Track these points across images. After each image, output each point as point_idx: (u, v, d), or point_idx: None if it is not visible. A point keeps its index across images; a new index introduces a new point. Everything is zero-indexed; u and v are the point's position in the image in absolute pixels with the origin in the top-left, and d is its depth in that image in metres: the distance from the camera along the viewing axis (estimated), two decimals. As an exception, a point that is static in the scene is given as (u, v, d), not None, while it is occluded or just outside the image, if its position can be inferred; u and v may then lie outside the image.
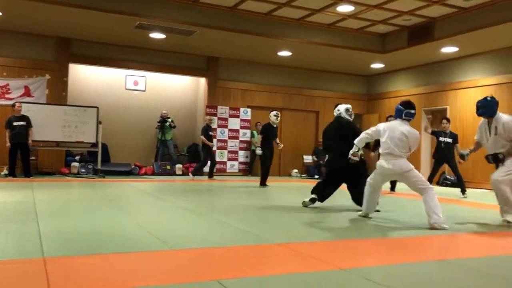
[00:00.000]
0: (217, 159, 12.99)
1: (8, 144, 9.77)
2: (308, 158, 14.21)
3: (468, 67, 12.06)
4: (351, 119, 6.58)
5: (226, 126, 13.38)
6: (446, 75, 12.65)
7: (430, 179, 8.67)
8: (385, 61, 13.08)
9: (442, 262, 3.41)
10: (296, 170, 14.28)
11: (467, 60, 12.02)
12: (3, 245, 3.48)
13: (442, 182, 12.12)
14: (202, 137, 11.16)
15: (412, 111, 5.18)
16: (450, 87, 12.49)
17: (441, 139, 9.01)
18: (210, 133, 11.23)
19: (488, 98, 5.45)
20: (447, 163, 9.16)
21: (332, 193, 6.37)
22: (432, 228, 4.71)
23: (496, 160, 5.37)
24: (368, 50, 12.02)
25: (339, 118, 6.59)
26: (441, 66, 12.73)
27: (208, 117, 11.81)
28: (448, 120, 9.40)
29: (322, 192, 6.33)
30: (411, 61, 12.89)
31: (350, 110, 6.70)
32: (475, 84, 11.79)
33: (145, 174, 12.23)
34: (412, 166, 5.02)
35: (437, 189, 11.10)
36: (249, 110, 13.66)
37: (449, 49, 11.38)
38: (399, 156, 5.00)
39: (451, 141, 8.98)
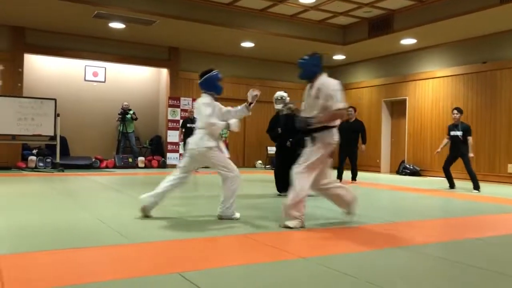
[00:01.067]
0: (181, 151, 12.86)
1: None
2: (272, 150, 14.26)
3: (426, 58, 12.39)
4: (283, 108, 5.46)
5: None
6: (405, 67, 12.96)
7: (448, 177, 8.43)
8: (347, 53, 13.26)
9: (399, 249, 3.50)
10: (260, 162, 14.33)
11: (425, 52, 12.35)
12: (-47, 243, 3.32)
13: (402, 171, 12.45)
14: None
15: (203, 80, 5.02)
16: (409, 78, 12.80)
17: (451, 133, 8.33)
18: (189, 125, 10.58)
19: (306, 57, 4.59)
20: (460, 157, 8.26)
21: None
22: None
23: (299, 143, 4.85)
24: (330, 41, 12.14)
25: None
26: (401, 58, 13.02)
27: (190, 109, 11.63)
28: (459, 110, 8.44)
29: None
30: (372, 52, 13.12)
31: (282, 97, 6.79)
32: (433, 75, 12.14)
33: (106, 167, 11.98)
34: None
35: (397, 177, 11.45)
36: (212, 101, 13.54)
37: (408, 41, 11.64)
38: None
39: (460, 134, 8.19)
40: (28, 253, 3.10)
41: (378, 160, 13.57)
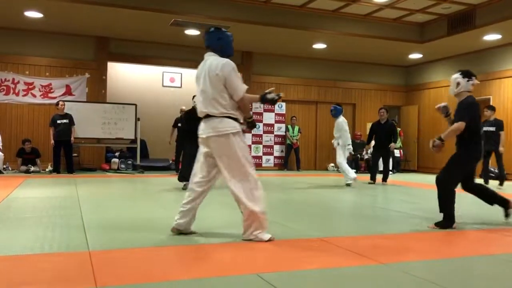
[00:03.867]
0: (253, 153, 13.05)
1: (52, 141, 10.13)
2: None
3: (512, 54, 11.58)
4: None
5: (261, 121, 13.39)
6: (488, 64, 12.19)
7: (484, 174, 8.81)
8: (424, 51, 12.73)
9: (488, 257, 3.30)
10: (332, 164, 14.13)
11: (511, 48, 11.54)
12: (50, 238, 3.60)
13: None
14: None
15: None
16: (493, 76, 12.03)
17: (484, 128, 8.63)
18: (179, 124, 10.26)
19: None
20: (493, 152, 8.94)
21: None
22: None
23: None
24: (406, 40, 11.72)
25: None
26: (483, 55, 12.27)
27: (182, 108, 10.97)
28: (491, 108, 9.20)
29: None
30: (451, 50, 12.49)
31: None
32: (520, 73, 11.32)
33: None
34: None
35: (481, 182, 10.76)
36: (284, 104, 13.61)
37: (491, 37, 10.95)
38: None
39: (493, 129, 8.78)
40: (115, 250, 3.28)
41: (458, 163, 12.87)
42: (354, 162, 13.35)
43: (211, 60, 3.79)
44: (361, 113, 14.64)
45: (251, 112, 4.14)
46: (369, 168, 9.49)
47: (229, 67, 3.67)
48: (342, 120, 8.99)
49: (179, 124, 10.49)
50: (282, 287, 2.46)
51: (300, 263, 3.02)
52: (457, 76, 4.82)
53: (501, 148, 8.79)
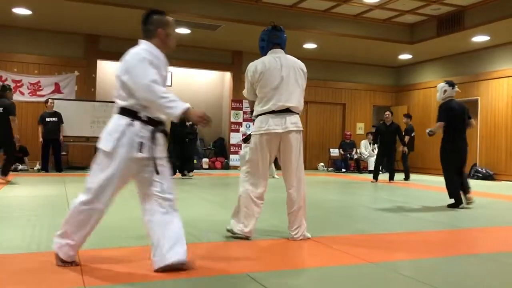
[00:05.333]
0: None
1: (40, 139, 10.03)
2: (334, 152, 14.09)
3: (500, 56, 11.70)
4: None
5: (251, 120, 13.36)
6: (477, 65, 12.32)
7: None
8: (414, 52, 12.82)
9: (473, 257, 3.33)
10: (322, 164, 14.19)
11: (499, 49, 11.67)
12: (38, 238, 3.57)
13: (473, 175, 11.84)
14: None
15: None
16: (481, 77, 12.15)
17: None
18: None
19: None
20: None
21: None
22: None
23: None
24: (396, 41, 11.80)
25: None
26: (472, 56, 12.40)
27: None
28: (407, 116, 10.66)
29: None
30: (441, 51, 12.60)
31: None
32: (508, 74, 11.44)
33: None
34: None
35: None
36: (274, 103, 13.60)
37: (480, 38, 11.06)
38: None
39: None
40: (102, 249, 3.26)
41: (447, 163, 12.98)
42: (344, 161, 13.41)
43: (288, 56, 3.81)
44: (351, 113, 14.71)
45: None
46: (374, 167, 10.00)
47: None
48: None
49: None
50: (272, 287, 2.47)
51: (290, 262, 3.03)
52: (444, 85, 6.03)
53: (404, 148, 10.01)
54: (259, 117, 3.65)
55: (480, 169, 11.79)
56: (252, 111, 3.90)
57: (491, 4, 9.72)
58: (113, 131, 2.69)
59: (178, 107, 2.61)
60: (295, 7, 10.53)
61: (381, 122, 10.09)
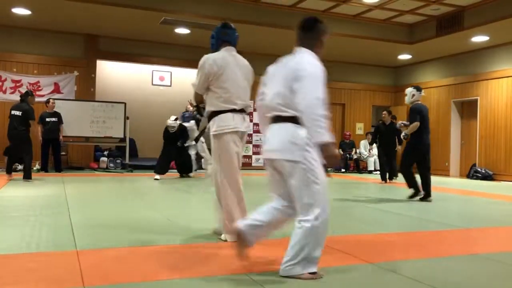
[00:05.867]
0: (243, 153, 13.08)
1: (40, 139, 10.02)
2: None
3: (499, 56, 11.71)
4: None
5: (251, 120, 13.39)
6: (476, 65, 12.32)
7: None
8: (413, 52, 12.83)
9: (474, 257, 3.33)
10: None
11: (499, 49, 11.68)
12: (37, 238, 3.57)
13: (473, 175, 11.85)
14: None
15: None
16: (480, 77, 12.16)
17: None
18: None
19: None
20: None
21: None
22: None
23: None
24: (395, 41, 11.80)
25: None
26: (472, 56, 12.40)
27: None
28: (389, 112, 10.09)
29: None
30: (440, 51, 12.60)
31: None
32: (508, 74, 11.44)
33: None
34: None
35: (468, 182, 10.90)
36: (274, 103, 13.61)
37: (479, 38, 11.06)
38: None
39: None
40: (103, 249, 3.26)
41: (446, 163, 13.00)
42: (343, 161, 13.41)
43: (240, 56, 3.78)
44: (350, 113, 14.71)
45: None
46: (380, 168, 10.12)
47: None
48: None
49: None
50: (271, 287, 2.46)
51: (289, 262, 3.02)
52: (412, 89, 6.83)
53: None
54: (222, 115, 3.50)
55: (479, 169, 11.80)
56: (197, 106, 3.78)
57: (491, 4, 9.72)
58: (300, 141, 2.58)
59: (325, 135, 2.52)
60: (295, 7, 10.53)
61: (380, 122, 10.06)
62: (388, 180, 9.75)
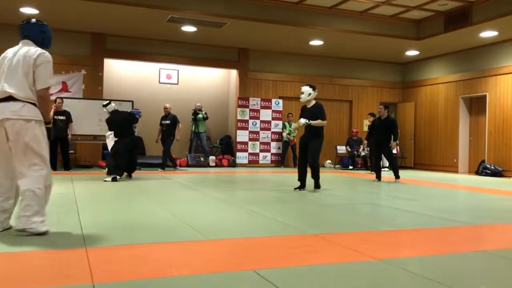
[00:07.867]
0: (250, 150, 13.11)
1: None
2: (341, 149, 14.06)
3: (509, 51, 11.60)
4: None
5: (258, 118, 13.39)
6: (485, 61, 12.22)
7: None
8: (420, 48, 12.75)
9: (481, 253, 3.32)
10: (329, 161, 14.16)
11: (508, 44, 11.58)
12: (46, 235, 3.60)
13: (482, 171, 11.77)
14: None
15: None
16: (489, 73, 12.06)
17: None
18: (164, 122, 11.25)
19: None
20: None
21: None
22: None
23: None
24: (403, 37, 11.74)
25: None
26: (480, 52, 12.31)
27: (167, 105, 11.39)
28: (385, 106, 9.43)
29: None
30: (448, 47, 12.52)
31: None
32: (516, 69, 11.35)
33: (180, 166, 12.38)
34: None
35: (477, 178, 10.83)
36: (280, 101, 13.62)
37: (488, 34, 10.97)
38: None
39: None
40: (112, 247, 3.28)
41: (455, 160, 12.92)
42: (350, 158, 13.38)
43: (27, 47, 3.78)
44: (357, 110, 14.67)
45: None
46: (375, 166, 9.62)
47: (48, 57, 3.74)
48: None
49: (163, 122, 11.24)
50: (279, 283, 2.47)
51: (297, 259, 3.03)
52: (308, 89, 7.19)
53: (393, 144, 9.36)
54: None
55: (488, 166, 11.72)
56: None
57: (499, -1, 9.64)
58: None
59: None
60: (301, 4, 10.51)
61: (378, 117, 9.74)
62: (394, 180, 9.18)
